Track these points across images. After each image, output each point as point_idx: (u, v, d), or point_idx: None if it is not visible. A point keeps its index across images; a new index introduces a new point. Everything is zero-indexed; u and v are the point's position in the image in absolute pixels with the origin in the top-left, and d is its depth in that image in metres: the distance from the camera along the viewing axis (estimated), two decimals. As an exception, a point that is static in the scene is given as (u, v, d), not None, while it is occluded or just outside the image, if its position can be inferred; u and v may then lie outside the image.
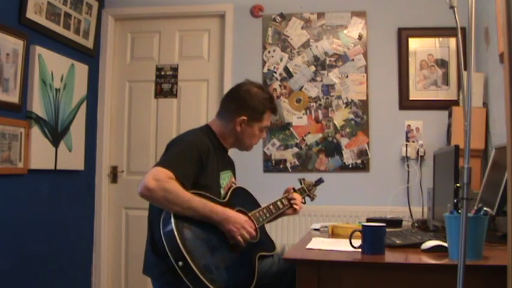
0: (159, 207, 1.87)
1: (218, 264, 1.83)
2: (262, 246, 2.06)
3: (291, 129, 3.64)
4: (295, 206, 2.30)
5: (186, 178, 1.89)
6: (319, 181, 2.52)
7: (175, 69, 3.86)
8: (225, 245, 1.91)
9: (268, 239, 2.19)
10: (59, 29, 3.26)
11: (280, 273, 2.01)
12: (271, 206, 2.19)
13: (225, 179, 2.13)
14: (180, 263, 1.72)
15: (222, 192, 2.09)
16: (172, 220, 1.79)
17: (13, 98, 2.83)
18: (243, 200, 2.14)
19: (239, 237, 1.89)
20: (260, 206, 2.18)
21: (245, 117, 2.13)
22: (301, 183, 2.45)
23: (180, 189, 1.82)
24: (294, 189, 2.39)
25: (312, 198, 2.49)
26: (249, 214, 2.05)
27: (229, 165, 2.26)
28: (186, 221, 1.83)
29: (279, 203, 2.25)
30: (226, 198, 2.06)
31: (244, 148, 2.25)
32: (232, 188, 2.14)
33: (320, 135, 3.61)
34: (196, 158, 1.96)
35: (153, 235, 1.98)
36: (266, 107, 2.17)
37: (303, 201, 2.40)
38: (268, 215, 2.15)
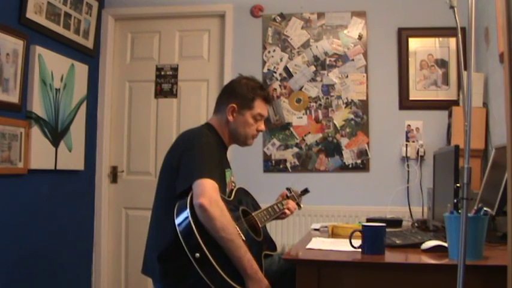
0: (166, 208, 1.86)
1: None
2: (266, 245, 2.10)
3: (291, 129, 3.64)
4: (286, 211, 2.39)
5: (218, 179, 1.90)
6: (305, 191, 2.62)
7: (175, 69, 3.86)
8: None
9: (270, 239, 2.23)
10: (59, 29, 3.26)
11: (280, 272, 2.02)
12: (269, 209, 2.27)
13: (228, 177, 2.15)
14: (197, 255, 1.69)
15: (226, 189, 2.11)
16: (188, 208, 1.77)
17: (13, 98, 2.83)
18: (246, 200, 2.20)
19: None
20: (260, 207, 2.26)
21: (234, 105, 2.14)
22: (290, 192, 2.51)
23: (236, 233, 1.82)
24: (287, 195, 2.48)
25: (299, 208, 2.55)
26: (253, 214, 2.11)
27: (229, 164, 2.27)
28: None
29: (275, 206, 2.33)
30: (232, 197, 2.09)
31: (241, 140, 2.21)
32: (236, 188, 2.17)
33: (320, 135, 3.61)
34: (218, 157, 2.00)
35: (157, 235, 1.97)
36: (256, 94, 2.16)
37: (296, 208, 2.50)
38: (268, 217, 2.22)
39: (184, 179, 1.88)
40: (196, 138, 2.03)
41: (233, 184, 2.20)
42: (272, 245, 2.18)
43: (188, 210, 1.77)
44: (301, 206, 2.55)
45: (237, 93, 2.16)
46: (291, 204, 2.42)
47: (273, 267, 2.06)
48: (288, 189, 2.52)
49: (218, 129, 2.17)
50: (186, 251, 1.71)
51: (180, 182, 1.89)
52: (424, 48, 3.55)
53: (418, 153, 3.46)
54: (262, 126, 2.21)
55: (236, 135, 2.18)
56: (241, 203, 2.11)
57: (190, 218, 1.75)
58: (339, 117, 3.60)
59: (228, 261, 1.77)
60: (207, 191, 1.80)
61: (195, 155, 1.94)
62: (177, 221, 1.78)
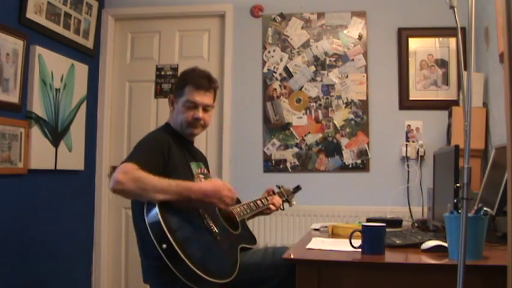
0: (141, 208, 1.86)
1: (201, 250, 1.83)
2: (243, 238, 2.13)
3: (291, 129, 3.64)
4: (271, 206, 2.39)
5: (153, 167, 1.87)
6: (297, 188, 2.63)
7: (175, 69, 3.86)
8: (209, 233, 1.93)
9: (249, 233, 2.25)
10: (59, 29, 3.26)
11: (275, 266, 2.01)
12: (251, 204, 2.28)
13: (194, 169, 2.14)
14: (164, 246, 1.71)
15: (195, 181, 2.10)
16: (157, 204, 1.79)
17: (13, 98, 2.83)
18: None
19: (223, 206, 1.95)
20: (240, 201, 2.27)
21: (172, 95, 2.19)
22: (279, 189, 2.53)
23: (149, 175, 1.80)
24: (273, 191, 2.49)
25: (291, 205, 2.57)
26: (231, 208, 2.12)
27: (199, 158, 2.26)
28: (170, 208, 1.83)
29: (259, 201, 2.34)
30: None
31: (179, 129, 2.16)
32: None
33: (320, 135, 3.61)
34: (159, 150, 1.96)
35: (142, 238, 1.96)
36: (185, 81, 2.15)
37: (282, 207, 2.49)
38: (248, 211, 2.24)
39: None
40: (145, 136, 2.09)
41: (201, 176, 2.16)
42: (251, 239, 2.21)
43: (157, 204, 1.78)
44: (293, 203, 2.56)
45: (175, 85, 2.22)
46: (276, 200, 2.43)
47: (267, 261, 2.06)
48: (277, 186, 2.54)
49: (172, 124, 2.18)
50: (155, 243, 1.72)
51: None
52: (424, 48, 3.55)
53: (418, 153, 3.46)
54: (197, 114, 2.13)
55: (175, 125, 2.17)
56: None
57: (158, 211, 1.76)
58: (339, 117, 3.60)
59: (194, 254, 1.76)
60: (121, 168, 1.82)
61: (134, 148, 1.99)
62: (146, 217, 1.79)
